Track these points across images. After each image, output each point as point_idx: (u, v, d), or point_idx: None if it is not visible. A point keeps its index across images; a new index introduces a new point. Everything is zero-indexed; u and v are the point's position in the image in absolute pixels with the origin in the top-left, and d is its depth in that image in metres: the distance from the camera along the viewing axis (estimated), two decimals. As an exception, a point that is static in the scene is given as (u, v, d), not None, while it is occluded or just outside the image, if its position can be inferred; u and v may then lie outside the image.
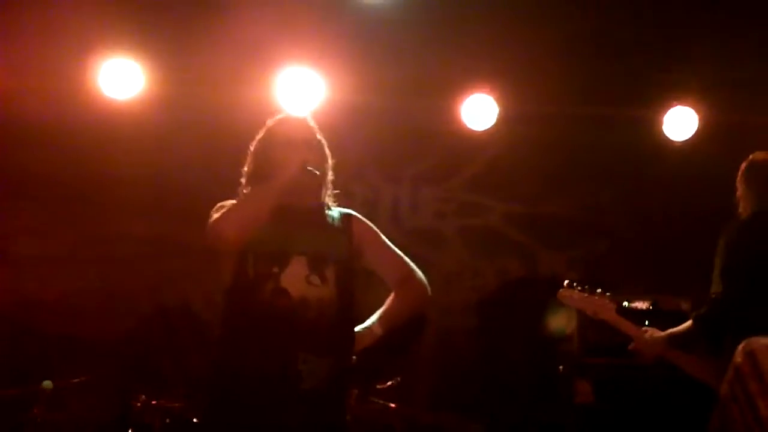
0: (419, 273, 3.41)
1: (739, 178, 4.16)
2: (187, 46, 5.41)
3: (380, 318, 3.30)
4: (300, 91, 5.53)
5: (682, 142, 5.92)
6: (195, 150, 5.71)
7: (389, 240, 3.42)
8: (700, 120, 5.86)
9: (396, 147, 6.18)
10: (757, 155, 4.15)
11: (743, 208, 4.10)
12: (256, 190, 3.28)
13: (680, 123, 5.89)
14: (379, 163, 6.26)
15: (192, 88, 5.51)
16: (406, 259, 3.43)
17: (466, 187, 6.38)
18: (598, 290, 4.32)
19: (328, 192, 3.39)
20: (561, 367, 5.43)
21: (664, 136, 5.92)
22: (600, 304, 4.30)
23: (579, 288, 4.35)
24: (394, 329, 3.33)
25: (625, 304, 5.39)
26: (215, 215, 3.19)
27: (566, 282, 4.39)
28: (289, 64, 5.53)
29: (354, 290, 3.26)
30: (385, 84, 5.74)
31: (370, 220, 3.43)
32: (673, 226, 6.18)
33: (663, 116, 5.91)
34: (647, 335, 4.18)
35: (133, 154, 5.60)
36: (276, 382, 3.07)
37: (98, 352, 5.19)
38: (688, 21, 5.51)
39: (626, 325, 4.26)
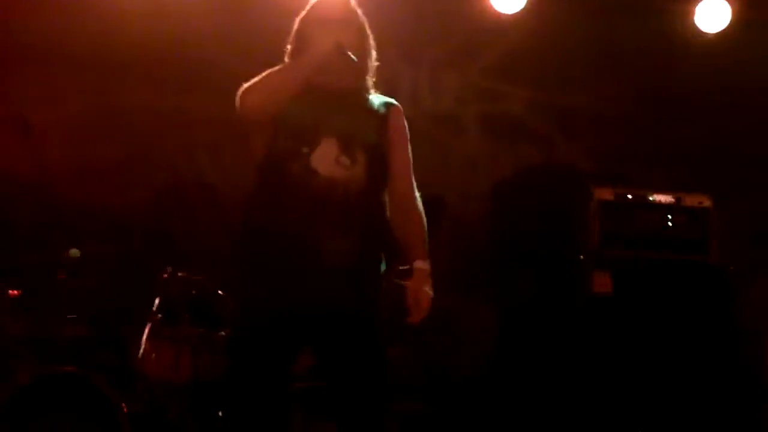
0: (420, 205, 3.26)
1: None
2: None
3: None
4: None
5: (714, 34, 5.83)
6: (211, 21, 5.52)
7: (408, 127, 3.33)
8: (733, 13, 5.76)
9: (417, 28, 5.99)
10: None
11: None
12: (287, 64, 3.25)
13: (713, 15, 5.79)
14: (399, 44, 6.06)
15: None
16: (415, 186, 3.29)
17: (488, 73, 6.24)
18: None
19: (370, 76, 3.30)
20: (581, 257, 5.42)
21: (696, 27, 5.83)
22: None
23: None
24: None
25: (651, 198, 5.37)
26: (245, 85, 3.15)
27: None
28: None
29: (385, 175, 3.21)
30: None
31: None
32: (699, 121, 6.10)
33: (695, 7, 5.80)
34: None
35: (150, 22, 5.40)
36: (299, 259, 3.06)
37: (117, 223, 5.15)
38: None
39: None
